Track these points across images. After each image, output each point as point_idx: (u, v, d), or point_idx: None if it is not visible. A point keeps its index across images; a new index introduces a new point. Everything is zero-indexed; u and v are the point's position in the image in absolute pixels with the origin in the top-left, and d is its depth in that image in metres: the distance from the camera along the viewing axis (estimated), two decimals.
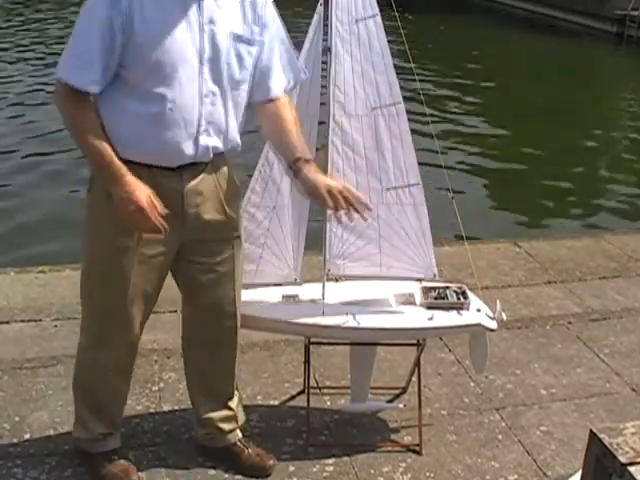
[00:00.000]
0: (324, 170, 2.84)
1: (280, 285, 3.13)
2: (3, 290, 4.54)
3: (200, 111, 2.58)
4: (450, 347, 4.04)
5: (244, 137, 2.76)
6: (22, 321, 4.18)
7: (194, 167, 2.67)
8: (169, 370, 3.75)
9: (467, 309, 3.10)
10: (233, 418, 3.12)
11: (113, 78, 2.52)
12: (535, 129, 12.45)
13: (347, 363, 3.38)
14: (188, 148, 2.60)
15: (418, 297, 3.12)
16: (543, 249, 5.52)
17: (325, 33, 2.82)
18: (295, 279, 3.12)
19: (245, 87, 2.69)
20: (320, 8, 2.80)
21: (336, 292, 3.10)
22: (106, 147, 2.51)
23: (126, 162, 2.54)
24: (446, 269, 4.53)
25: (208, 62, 2.56)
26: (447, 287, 3.16)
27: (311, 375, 3.34)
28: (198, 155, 2.64)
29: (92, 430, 2.99)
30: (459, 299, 3.11)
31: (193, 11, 2.51)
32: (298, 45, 2.79)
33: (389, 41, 2.86)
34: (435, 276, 3.11)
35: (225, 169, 2.77)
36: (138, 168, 2.56)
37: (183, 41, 2.50)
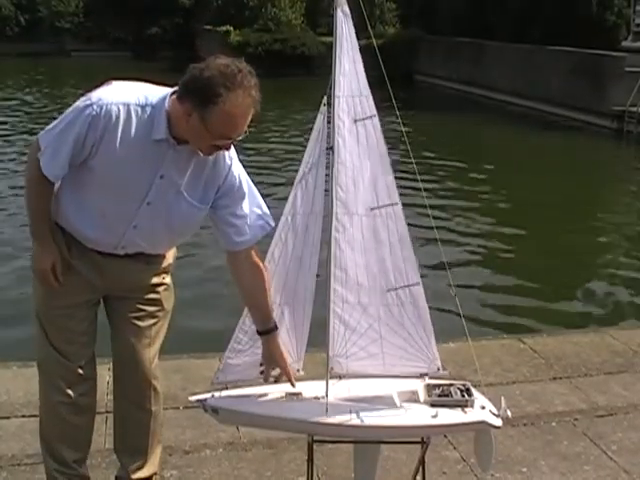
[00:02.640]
0: None
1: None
2: (5, 384, 4.52)
3: (124, 233, 2.92)
4: (455, 445, 3.99)
5: None
6: (23, 416, 4.14)
7: None
8: (170, 468, 3.70)
9: (471, 406, 3.06)
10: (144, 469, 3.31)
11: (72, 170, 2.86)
12: (537, 224, 12.56)
13: (351, 461, 3.33)
14: (107, 248, 2.99)
15: (422, 394, 3.09)
16: (548, 345, 5.48)
17: (328, 134, 2.88)
18: (297, 370, 3.13)
19: (185, 233, 3.05)
20: (324, 108, 2.87)
21: (339, 390, 3.08)
22: (46, 210, 2.93)
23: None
24: (450, 366, 4.48)
25: (148, 204, 2.85)
26: (451, 384, 3.14)
27: (314, 474, 3.30)
28: (116, 252, 3.00)
29: None
30: (463, 396, 3.08)
31: (150, 163, 2.79)
32: (301, 144, 2.86)
33: (393, 141, 2.91)
34: (439, 369, 3.08)
35: None
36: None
37: (131, 181, 2.82)
